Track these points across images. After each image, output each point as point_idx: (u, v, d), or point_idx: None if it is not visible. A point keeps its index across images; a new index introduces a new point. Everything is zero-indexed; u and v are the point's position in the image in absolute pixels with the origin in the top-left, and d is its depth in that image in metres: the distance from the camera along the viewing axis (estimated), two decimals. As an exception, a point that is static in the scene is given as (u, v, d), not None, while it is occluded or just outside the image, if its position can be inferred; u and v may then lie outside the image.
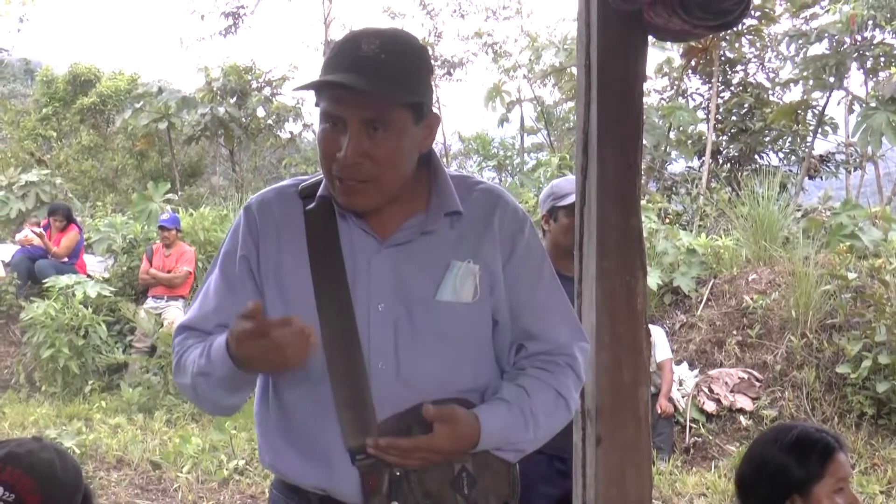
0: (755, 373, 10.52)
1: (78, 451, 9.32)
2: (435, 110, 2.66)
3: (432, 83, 2.65)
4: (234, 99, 25.56)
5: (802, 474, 3.36)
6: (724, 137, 20.49)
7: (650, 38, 3.09)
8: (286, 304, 2.61)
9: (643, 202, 12.62)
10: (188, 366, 2.60)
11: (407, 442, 2.48)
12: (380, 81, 2.42)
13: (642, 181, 3.16)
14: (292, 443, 2.64)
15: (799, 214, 14.29)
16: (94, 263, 15.67)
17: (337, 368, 2.55)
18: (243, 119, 25.63)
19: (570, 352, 2.75)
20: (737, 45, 19.94)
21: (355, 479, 2.54)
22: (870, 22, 17.08)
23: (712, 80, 19.61)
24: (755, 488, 3.49)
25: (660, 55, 20.64)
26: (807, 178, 19.22)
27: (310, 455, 2.60)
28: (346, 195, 2.55)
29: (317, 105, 2.59)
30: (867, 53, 17.67)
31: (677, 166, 21.45)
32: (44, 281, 14.05)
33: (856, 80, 19.05)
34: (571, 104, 23.86)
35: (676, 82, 21.63)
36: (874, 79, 18.11)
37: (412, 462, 2.51)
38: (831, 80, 17.38)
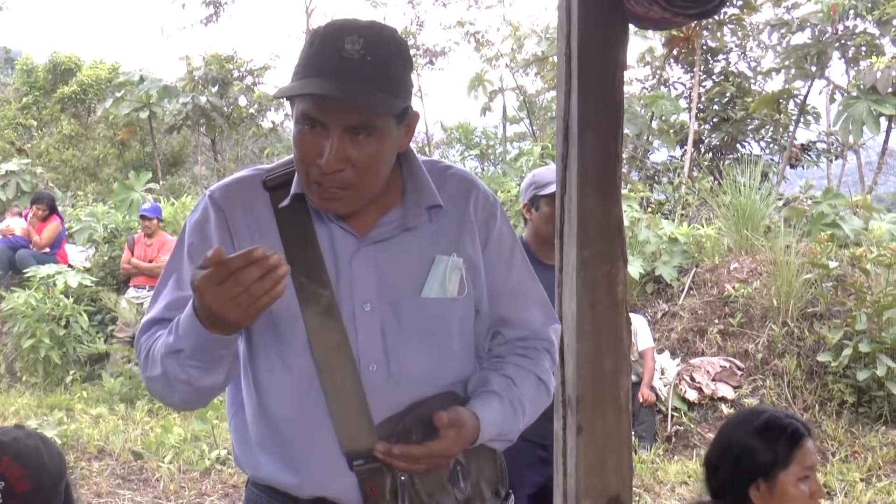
0: (737, 361, 10.54)
1: (59, 442, 9.28)
2: (414, 107, 2.62)
3: (412, 80, 2.59)
4: (216, 88, 25.56)
5: (769, 459, 3.34)
6: (706, 126, 20.51)
7: (631, 26, 3.09)
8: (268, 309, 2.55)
9: (625, 191, 12.66)
10: (157, 353, 2.45)
11: (420, 450, 2.45)
12: (367, 91, 2.35)
13: (624, 170, 3.16)
14: (279, 452, 2.57)
15: (780, 203, 14.31)
16: (76, 253, 15.63)
17: (328, 373, 2.50)
18: (225, 108, 25.60)
19: (545, 336, 2.76)
20: (719, 34, 19.95)
21: (353, 485, 2.51)
22: (851, 11, 17.13)
23: (694, 69, 19.63)
24: (720, 470, 3.50)
25: (642, 44, 20.71)
26: (788, 167, 19.27)
27: (300, 463, 2.54)
28: (324, 201, 2.49)
29: (288, 99, 2.53)
30: (848, 43, 17.71)
31: (659, 155, 21.48)
32: (24, 271, 14.03)
33: (837, 69, 19.08)
34: (554, 93, 23.72)
35: (658, 71, 21.66)
36: (855, 68, 18.16)
37: (419, 468, 2.49)
38: (813, 69, 17.43)
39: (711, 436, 9.57)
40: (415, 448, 2.45)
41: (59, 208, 16.47)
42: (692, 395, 10.21)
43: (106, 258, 15.05)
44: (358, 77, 2.35)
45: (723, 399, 10.19)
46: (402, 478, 2.49)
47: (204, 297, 2.17)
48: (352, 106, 2.35)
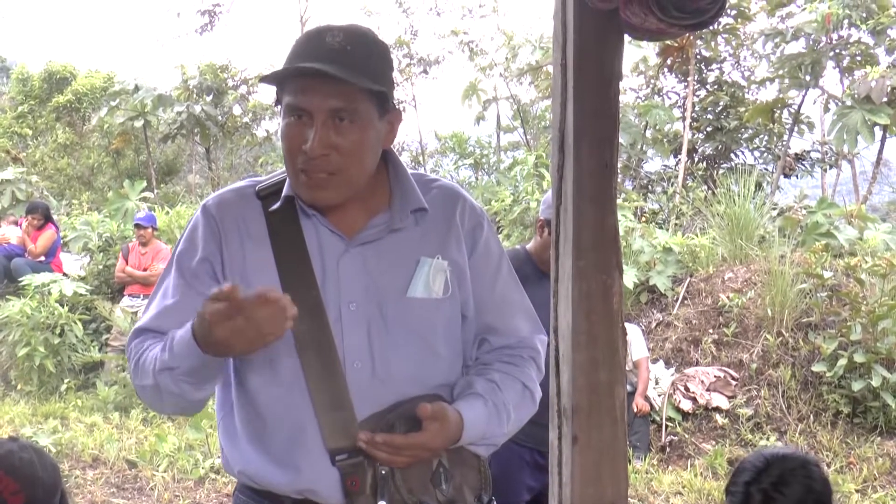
0: (731, 371, 10.55)
1: (54, 450, 9.31)
2: (399, 107, 2.68)
3: (394, 79, 2.66)
4: (211, 97, 25.58)
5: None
6: (700, 136, 20.52)
7: (626, 36, 3.09)
8: None
9: (619, 201, 12.69)
10: (148, 364, 2.55)
11: (402, 439, 2.50)
12: (346, 69, 2.43)
13: (618, 180, 3.17)
14: (265, 448, 2.62)
15: (775, 213, 14.31)
16: (71, 262, 15.65)
17: (313, 371, 2.55)
18: (219, 117, 25.63)
19: (531, 344, 2.84)
20: (713, 43, 19.97)
21: (336, 480, 2.55)
22: (845, 21, 17.12)
23: (688, 79, 19.62)
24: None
25: (636, 53, 20.65)
26: (782, 177, 19.26)
27: (285, 459, 2.59)
28: (312, 188, 2.55)
29: (277, 104, 2.60)
30: (843, 52, 17.70)
31: (653, 165, 21.49)
32: (20, 279, 14.04)
33: (831, 78, 19.13)
34: (548, 102, 23.84)
35: (652, 81, 21.64)
36: (850, 77, 18.14)
37: (401, 460, 2.53)
38: (807, 78, 17.41)
39: (706, 446, 9.61)
40: (397, 437, 2.50)
41: (54, 217, 16.48)
42: (686, 405, 10.21)
43: (100, 267, 15.07)
44: (338, 60, 2.45)
45: (717, 409, 10.19)
46: (383, 472, 2.53)
47: (214, 329, 2.29)
48: (328, 85, 2.44)
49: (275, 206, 2.64)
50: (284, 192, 2.63)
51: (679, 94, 21.13)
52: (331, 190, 2.55)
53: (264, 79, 2.61)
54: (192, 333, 2.39)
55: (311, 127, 2.48)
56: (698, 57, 19.96)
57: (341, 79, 2.43)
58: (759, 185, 15.98)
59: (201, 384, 2.54)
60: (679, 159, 19.13)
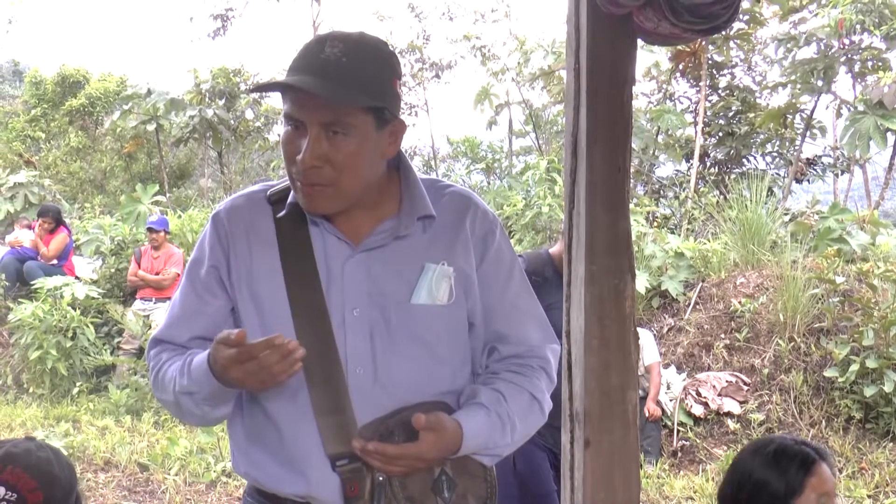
0: (743, 376, 10.53)
1: (66, 453, 9.29)
2: (411, 112, 2.67)
3: (398, 89, 2.62)
4: (223, 101, 25.53)
5: (781, 488, 3.28)
6: (712, 141, 20.50)
7: (639, 41, 3.09)
8: (260, 313, 2.62)
9: (631, 205, 12.67)
10: (168, 383, 2.61)
11: (395, 449, 2.48)
12: (335, 85, 2.41)
13: (630, 184, 3.14)
14: (269, 451, 2.64)
15: (787, 218, 14.31)
16: (83, 265, 15.66)
17: (314, 375, 2.56)
18: (232, 121, 25.61)
19: (542, 354, 2.78)
20: (725, 48, 19.95)
21: (336, 485, 2.55)
22: (858, 26, 17.08)
23: (700, 84, 19.61)
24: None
25: (648, 58, 20.65)
26: (794, 182, 19.23)
27: (288, 462, 2.61)
28: (306, 198, 2.55)
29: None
30: (855, 57, 17.68)
31: (665, 169, 21.48)
32: (32, 282, 14.05)
33: (844, 84, 19.04)
34: (560, 107, 23.84)
35: (664, 85, 21.61)
36: (862, 83, 18.11)
37: (395, 469, 2.52)
38: (819, 83, 17.39)
39: (717, 451, 9.59)
40: (389, 447, 2.49)
41: (67, 220, 16.51)
42: (698, 410, 10.20)
43: (113, 270, 15.08)
44: (330, 74, 2.43)
45: (729, 414, 10.18)
46: (380, 478, 2.53)
47: (228, 371, 2.39)
48: (319, 98, 2.41)
49: (282, 213, 2.64)
50: (290, 198, 2.63)
51: (691, 99, 21.12)
52: (325, 200, 2.54)
53: (252, 89, 2.63)
54: (208, 364, 2.45)
55: (305, 137, 2.47)
56: (710, 62, 19.94)
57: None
58: (770, 191, 15.96)
59: (221, 405, 2.61)
60: (691, 164, 19.11)
